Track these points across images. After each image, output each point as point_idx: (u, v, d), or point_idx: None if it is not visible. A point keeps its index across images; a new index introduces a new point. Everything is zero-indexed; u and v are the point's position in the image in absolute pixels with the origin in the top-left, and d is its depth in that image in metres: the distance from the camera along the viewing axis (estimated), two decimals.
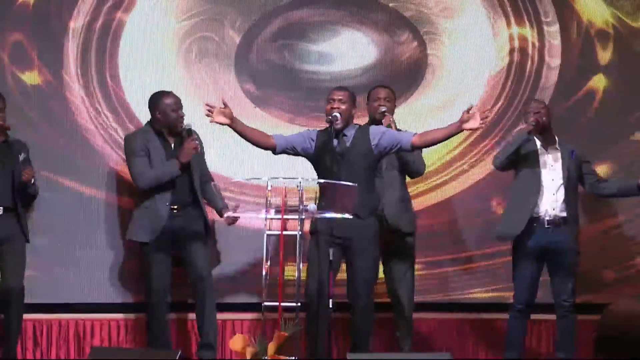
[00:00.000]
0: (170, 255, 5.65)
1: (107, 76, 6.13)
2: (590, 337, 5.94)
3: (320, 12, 6.39)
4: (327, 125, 5.20)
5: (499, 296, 6.22)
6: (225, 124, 5.16)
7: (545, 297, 5.75)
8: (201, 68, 6.25)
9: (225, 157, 6.08)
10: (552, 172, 5.63)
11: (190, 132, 5.55)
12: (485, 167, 6.29)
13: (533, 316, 5.78)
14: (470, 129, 5.06)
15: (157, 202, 5.58)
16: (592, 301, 6.15)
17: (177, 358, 4.42)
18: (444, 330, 6.31)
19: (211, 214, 5.78)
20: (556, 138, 5.71)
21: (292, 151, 5.29)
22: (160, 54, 6.21)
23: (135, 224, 5.66)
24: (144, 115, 5.89)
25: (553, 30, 6.46)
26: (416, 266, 5.90)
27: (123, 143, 5.83)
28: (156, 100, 5.67)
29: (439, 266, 6.31)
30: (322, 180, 5.03)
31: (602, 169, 6.15)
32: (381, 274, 5.67)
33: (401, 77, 6.34)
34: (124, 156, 5.82)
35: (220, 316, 5.85)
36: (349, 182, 4.91)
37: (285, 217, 4.81)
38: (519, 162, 5.64)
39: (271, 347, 4.57)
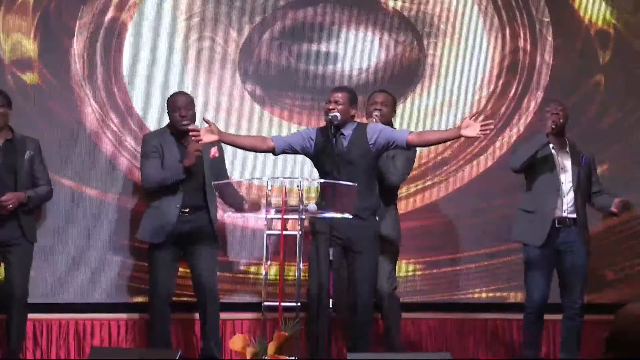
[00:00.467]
0: (178, 257, 5.65)
1: (112, 75, 6.15)
2: (592, 336, 5.97)
3: (321, 13, 6.40)
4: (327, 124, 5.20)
5: (499, 296, 6.22)
6: (214, 141, 5.17)
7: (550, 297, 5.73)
8: (202, 68, 6.26)
9: (225, 158, 6.07)
10: (563, 174, 5.62)
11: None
12: (486, 164, 6.29)
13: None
14: (468, 137, 5.04)
15: (167, 204, 5.56)
16: (593, 301, 6.15)
17: (177, 358, 4.41)
18: (444, 330, 6.31)
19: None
20: (567, 141, 5.68)
21: (292, 151, 5.29)
22: (162, 54, 6.21)
23: (145, 224, 5.66)
24: (145, 115, 5.89)
25: (553, 30, 6.45)
26: (416, 266, 5.91)
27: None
28: (168, 101, 5.67)
29: (439, 266, 6.31)
30: (322, 180, 5.03)
31: (602, 169, 6.15)
32: None
33: (401, 77, 6.34)
34: (125, 156, 5.83)
35: (221, 316, 5.84)
36: (349, 182, 4.90)
37: (285, 216, 4.81)
38: (534, 165, 5.60)
39: (271, 347, 4.57)
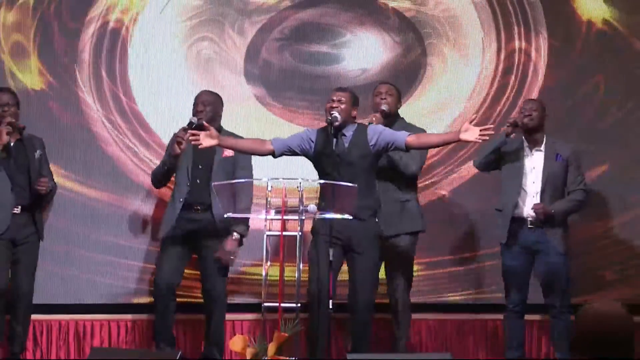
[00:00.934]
0: (187, 253, 5.64)
1: (116, 75, 6.16)
2: None
3: (322, 14, 6.40)
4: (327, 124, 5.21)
5: (499, 297, 6.22)
6: (213, 145, 5.17)
7: (540, 298, 5.74)
8: (204, 68, 6.26)
9: None
10: (532, 174, 5.62)
11: (190, 126, 5.48)
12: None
13: (527, 316, 5.78)
14: (466, 141, 5.07)
15: (174, 199, 5.63)
16: (593, 301, 6.14)
17: (177, 358, 4.41)
18: (444, 330, 6.31)
19: None
20: (544, 139, 5.66)
21: (291, 153, 5.30)
22: (163, 54, 6.22)
23: (161, 220, 5.73)
24: (147, 116, 5.89)
25: (552, 31, 6.45)
26: (416, 267, 5.91)
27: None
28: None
29: (439, 267, 6.32)
30: (322, 181, 5.03)
31: (602, 170, 6.15)
32: (382, 275, 5.67)
33: (401, 77, 6.34)
34: (127, 156, 5.85)
35: None
36: (349, 183, 4.91)
37: (285, 217, 4.81)
38: (502, 163, 5.65)
39: (271, 348, 4.58)
